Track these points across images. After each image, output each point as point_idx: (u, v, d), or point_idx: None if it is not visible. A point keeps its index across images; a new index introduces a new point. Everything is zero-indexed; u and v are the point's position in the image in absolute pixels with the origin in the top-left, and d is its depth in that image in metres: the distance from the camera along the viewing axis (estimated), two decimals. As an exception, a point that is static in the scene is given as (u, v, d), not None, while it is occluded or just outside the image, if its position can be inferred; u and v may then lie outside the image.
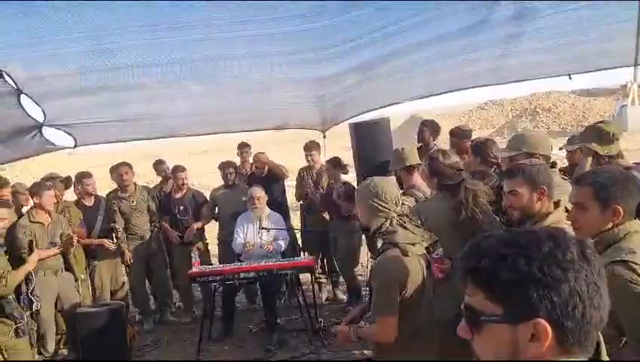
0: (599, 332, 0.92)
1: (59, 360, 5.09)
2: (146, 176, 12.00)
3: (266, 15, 3.97)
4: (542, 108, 33.93)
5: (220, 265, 5.66)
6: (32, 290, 4.12)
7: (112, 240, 5.81)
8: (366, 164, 4.63)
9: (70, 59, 4.29)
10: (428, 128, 5.28)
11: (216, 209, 6.44)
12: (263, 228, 5.46)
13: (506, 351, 0.90)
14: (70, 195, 6.22)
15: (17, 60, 4.16)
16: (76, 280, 5.22)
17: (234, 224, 5.78)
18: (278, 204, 6.17)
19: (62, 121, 5.72)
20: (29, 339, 4.08)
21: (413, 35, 4.64)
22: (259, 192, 5.63)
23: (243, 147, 6.88)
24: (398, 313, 2.32)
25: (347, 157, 5.83)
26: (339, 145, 6.29)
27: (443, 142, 5.51)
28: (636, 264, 1.78)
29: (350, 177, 5.91)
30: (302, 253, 5.94)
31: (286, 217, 6.26)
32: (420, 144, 4.86)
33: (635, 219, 1.93)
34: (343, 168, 5.92)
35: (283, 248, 5.63)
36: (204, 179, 7.21)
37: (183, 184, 6.23)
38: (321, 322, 5.26)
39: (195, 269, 5.27)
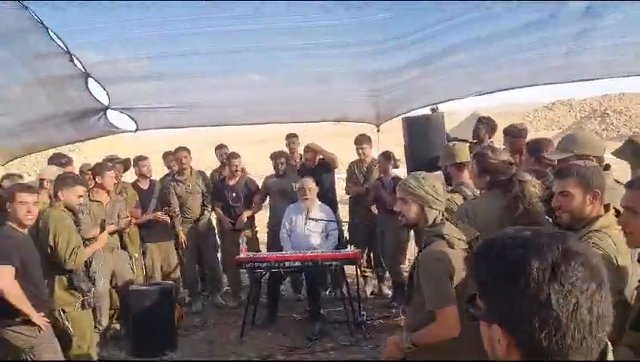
0: (606, 339, 0.86)
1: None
2: (205, 163, 12.35)
3: (323, 7, 3.98)
4: (613, 110, 32.24)
5: (267, 253, 5.75)
6: (90, 266, 4.30)
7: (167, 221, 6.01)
8: (417, 159, 4.55)
9: (136, 46, 4.46)
10: (484, 125, 5.13)
11: (267, 197, 6.53)
12: (310, 218, 5.48)
13: (489, 348, 0.89)
14: (130, 177, 6.48)
15: (86, 45, 4.36)
16: (130, 258, 5.44)
17: (283, 213, 5.85)
18: (327, 196, 6.19)
19: (125, 104, 5.96)
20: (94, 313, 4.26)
21: (475, 30, 4.51)
22: (310, 183, 5.66)
23: (291, 137, 6.91)
24: None
25: (400, 153, 5.76)
26: (393, 139, 6.23)
27: (499, 140, 5.34)
28: None
29: (400, 172, 5.84)
30: (348, 246, 5.93)
31: (334, 209, 6.29)
32: (475, 141, 4.73)
33: None
34: (395, 162, 5.86)
35: (334, 243, 5.64)
36: (260, 168, 7.31)
37: (236, 171, 6.34)
38: (363, 315, 5.24)
39: (242, 255, 5.39)
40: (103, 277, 4.97)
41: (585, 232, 2.15)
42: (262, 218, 6.93)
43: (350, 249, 5.53)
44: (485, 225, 2.70)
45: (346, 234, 6.13)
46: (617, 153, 3.26)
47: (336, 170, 6.64)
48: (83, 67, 4.65)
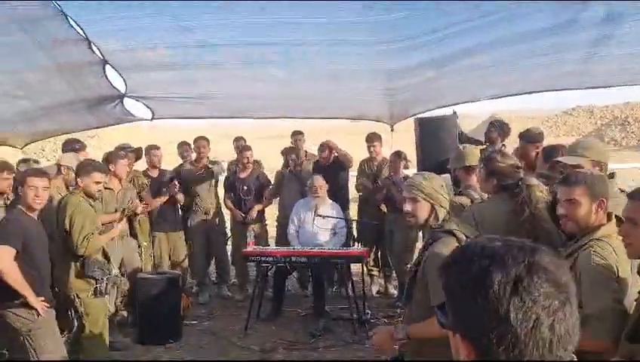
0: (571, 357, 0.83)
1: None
2: (220, 154, 12.42)
3: (343, 3, 3.97)
4: (634, 118, 31.70)
5: (274, 247, 5.78)
6: (106, 254, 4.33)
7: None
8: (427, 160, 4.54)
9: (155, 35, 4.47)
10: (496, 129, 5.09)
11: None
12: (318, 215, 5.50)
13: (455, 356, 0.88)
14: (141, 166, 6.55)
15: (104, 32, 4.40)
16: (139, 246, 5.51)
17: (292, 208, 5.88)
18: (340, 194, 6.19)
19: (142, 93, 6.01)
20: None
21: (493, 32, 4.46)
22: (320, 181, 5.67)
23: (296, 135, 6.89)
24: None
25: (413, 153, 5.74)
26: (407, 139, 6.22)
27: (513, 143, 5.29)
28: None
29: (410, 172, 5.81)
30: (356, 244, 5.94)
31: (345, 207, 6.29)
32: (487, 144, 4.70)
33: None
34: (405, 162, 5.84)
35: (342, 241, 5.65)
36: (272, 163, 7.35)
37: (247, 163, 6.37)
38: (368, 314, 5.25)
39: (249, 249, 5.43)
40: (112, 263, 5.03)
41: (586, 241, 2.13)
42: (272, 212, 6.97)
43: (357, 247, 5.53)
44: (492, 229, 2.69)
45: (355, 232, 6.14)
46: None
47: (349, 168, 6.64)
48: (101, 54, 4.69)
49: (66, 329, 4.04)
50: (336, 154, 6.44)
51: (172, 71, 5.35)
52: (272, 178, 6.71)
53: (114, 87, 5.58)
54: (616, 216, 2.17)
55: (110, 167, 5.30)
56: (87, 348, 4.01)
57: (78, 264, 3.95)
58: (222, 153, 10.61)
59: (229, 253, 6.69)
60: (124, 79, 5.47)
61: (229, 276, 6.70)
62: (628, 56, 4.72)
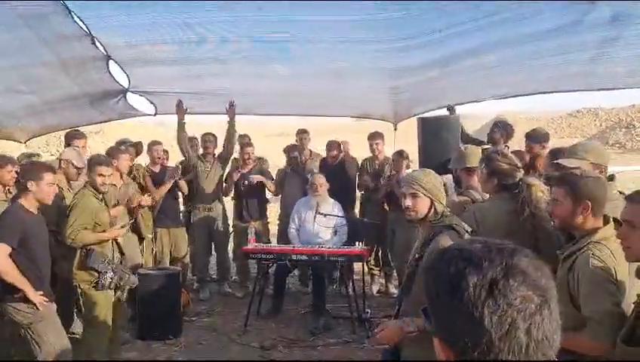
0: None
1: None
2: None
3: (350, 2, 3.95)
4: (639, 121, 31.59)
5: (275, 245, 5.78)
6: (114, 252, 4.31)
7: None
8: (429, 159, 4.51)
9: (158, 31, 4.47)
10: (499, 129, 5.07)
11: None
12: (319, 213, 5.49)
13: (437, 360, 0.87)
14: (142, 161, 6.55)
15: (107, 28, 4.41)
16: (142, 240, 5.51)
17: (294, 206, 5.88)
18: (346, 193, 6.20)
19: (145, 88, 6.03)
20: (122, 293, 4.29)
21: (496, 33, 4.44)
22: (321, 179, 5.66)
23: (302, 133, 6.87)
24: None
25: (415, 152, 5.73)
26: (409, 139, 6.20)
27: (516, 145, 5.28)
28: None
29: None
30: (357, 243, 5.93)
31: (351, 207, 6.29)
32: (490, 144, 4.69)
33: None
34: (407, 161, 5.83)
35: (343, 239, 5.64)
36: (275, 161, 7.34)
37: (248, 158, 6.38)
38: (367, 313, 5.24)
39: (250, 246, 5.43)
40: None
41: (584, 243, 2.13)
42: (274, 209, 6.97)
43: (358, 245, 5.52)
44: (492, 229, 2.70)
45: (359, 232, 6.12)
46: None
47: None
48: (104, 49, 4.70)
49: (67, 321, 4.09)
50: (342, 154, 6.44)
51: (175, 66, 5.35)
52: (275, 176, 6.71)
53: (117, 83, 5.60)
54: (614, 218, 2.16)
55: (113, 162, 5.30)
56: (86, 340, 4.02)
57: (82, 255, 3.97)
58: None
59: (230, 250, 6.70)
60: (127, 74, 5.49)
61: (229, 273, 6.71)
62: (634, 57, 4.70)
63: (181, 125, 6.15)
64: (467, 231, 2.48)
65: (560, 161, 2.91)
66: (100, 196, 4.13)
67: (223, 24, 4.38)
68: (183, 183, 6.12)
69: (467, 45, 4.62)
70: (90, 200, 4.02)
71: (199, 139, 6.63)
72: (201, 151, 6.50)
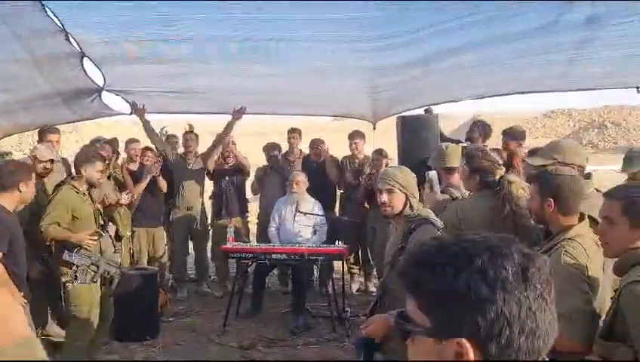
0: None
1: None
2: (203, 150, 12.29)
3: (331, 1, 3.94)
4: (612, 121, 32.37)
5: (254, 244, 5.75)
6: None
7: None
8: (409, 158, 4.54)
9: (134, 27, 4.39)
10: (478, 129, 5.15)
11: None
12: (300, 211, 5.47)
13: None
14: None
15: (82, 23, 4.31)
16: (120, 238, 5.43)
17: (274, 204, 5.85)
18: (328, 192, 6.17)
19: (121, 87, 5.92)
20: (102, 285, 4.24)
21: (479, 32, 4.47)
22: (300, 177, 5.65)
23: (293, 132, 6.86)
24: None
25: (393, 151, 5.76)
26: (387, 138, 6.24)
27: (494, 144, 5.35)
28: None
29: (392, 170, 5.81)
30: (337, 241, 5.93)
31: (332, 206, 6.30)
32: (468, 143, 4.74)
33: None
34: (387, 159, 5.86)
35: (323, 238, 5.63)
36: (254, 160, 7.29)
37: (228, 156, 6.32)
38: (347, 311, 5.25)
39: (229, 245, 5.39)
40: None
41: (558, 240, 2.16)
42: (254, 207, 6.93)
43: (338, 244, 5.52)
44: (474, 226, 2.73)
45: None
46: None
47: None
48: (79, 46, 4.60)
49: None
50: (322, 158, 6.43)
51: (152, 65, 5.25)
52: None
53: (92, 81, 5.48)
54: (590, 216, 2.20)
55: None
56: (68, 334, 4.05)
57: (59, 248, 3.99)
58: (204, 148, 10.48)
59: (208, 249, 6.64)
60: (102, 72, 5.37)
61: (207, 272, 6.64)
62: (611, 59, 4.79)
63: (146, 126, 6.11)
64: (439, 228, 2.58)
65: (526, 158, 2.98)
66: (83, 190, 4.11)
67: (202, 22, 4.33)
68: (162, 180, 6.03)
69: (447, 45, 4.64)
70: (69, 194, 4.00)
71: (180, 138, 6.55)
72: (182, 149, 6.42)
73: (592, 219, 2.18)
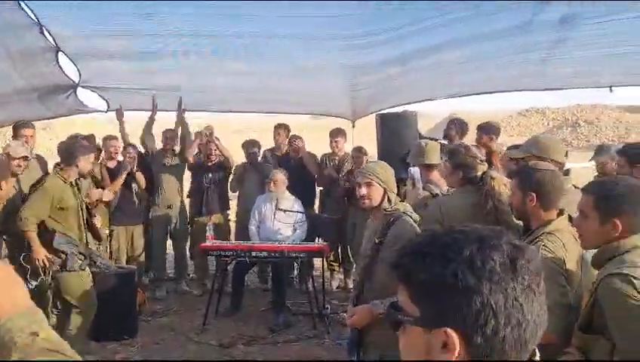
0: (535, 348, 0.84)
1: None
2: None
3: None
4: (584, 120, 33.06)
5: (234, 242, 5.72)
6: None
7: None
8: (388, 155, 4.56)
9: (111, 22, 4.32)
10: (455, 126, 5.23)
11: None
12: (279, 209, 5.46)
13: (421, 356, 0.83)
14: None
15: (57, 17, 4.22)
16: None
17: (253, 202, 5.83)
18: (308, 189, 6.17)
19: (97, 83, 5.82)
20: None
21: (454, 33, 4.52)
22: (278, 175, 5.62)
23: (278, 128, 6.77)
24: None
25: (372, 150, 5.78)
26: (366, 136, 6.26)
27: (471, 141, 5.42)
28: (635, 278, 1.71)
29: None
30: (317, 239, 5.94)
31: (311, 203, 6.29)
32: (446, 141, 4.80)
33: None
34: (367, 157, 5.89)
35: (303, 236, 5.62)
36: (237, 157, 7.22)
37: (210, 154, 6.28)
38: (327, 308, 5.26)
39: (208, 243, 5.35)
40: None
41: (537, 234, 2.21)
42: (233, 205, 6.88)
43: (318, 242, 5.53)
44: (457, 222, 2.74)
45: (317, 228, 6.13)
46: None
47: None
48: (54, 40, 4.51)
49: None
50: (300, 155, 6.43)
51: (129, 61, 5.19)
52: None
53: (67, 77, 5.38)
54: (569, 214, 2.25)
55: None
56: (73, 321, 4.11)
57: (48, 235, 4.02)
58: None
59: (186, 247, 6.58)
60: (77, 68, 5.28)
61: (187, 271, 6.59)
62: (581, 59, 4.89)
63: (122, 127, 6.16)
64: (417, 221, 2.69)
65: (508, 152, 3.02)
66: (70, 181, 4.13)
67: (179, 17, 4.28)
68: (140, 176, 5.94)
69: (426, 44, 4.69)
70: (56, 183, 4.03)
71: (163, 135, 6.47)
72: (160, 146, 6.36)
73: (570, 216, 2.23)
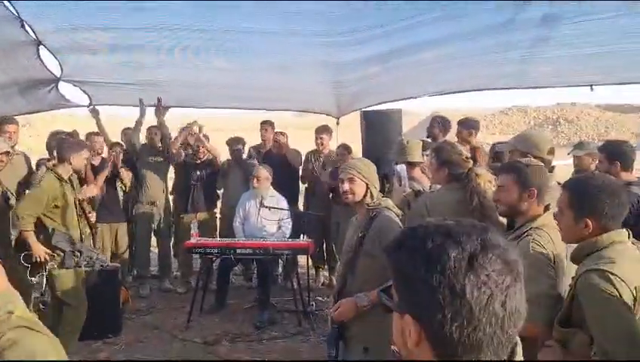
0: (515, 347, 0.85)
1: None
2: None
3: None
4: (565, 118, 33.56)
5: (218, 239, 5.69)
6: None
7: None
8: (373, 153, 4.58)
9: (93, 15, 4.27)
10: (438, 124, 5.27)
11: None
12: (264, 206, 5.45)
13: (400, 339, 0.87)
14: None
15: (38, 10, 4.16)
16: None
17: (237, 199, 5.81)
18: (291, 186, 6.16)
19: (78, 77, 5.74)
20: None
21: (438, 30, 4.55)
22: (262, 172, 5.61)
23: (264, 124, 6.77)
24: None
25: (356, 148, 5.80)
26: (350, 134, 6.28)
27: (452, 139, 5.47)
28: (612, 274, 1.75)
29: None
30: (302, 236, 5.95)
31: (295, 200, 6.28)
32: (429, 139, 4.84)
33: (623, 229, 1.90)
34: (352, 154, 5.90)
35: (287, 234, 5.63)
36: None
37: (198, 151, 6.25)
38: (312, 305, 5.28)
39: (192, 240, 5.32)
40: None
41: (525, 229, 2.24)
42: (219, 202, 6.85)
43: (302, 239, 5.53)
44: (440, 217, 2.77)
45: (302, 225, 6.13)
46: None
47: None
48: (34, 34, 4.44)
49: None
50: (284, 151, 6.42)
51: (112, 55, 5.13)
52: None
53: (48, 71, 5.30)
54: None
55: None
56: (65, 319, 4.10)
57: (48, 232, 4.03)
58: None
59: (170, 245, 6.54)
60: (59, 62, 5.21)
61: (171, 269, 6.55)
62: (560, 57, 4.95)
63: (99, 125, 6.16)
64: (397, 215, 2.77)
65: (496, 147, 3.05)
66: (65, 178, 4.14)
67: (163, 12, 4.24)
68: (124, 172, 5.88)
69: (409, 41, 4.70)
70: (53, 183, 4.03)
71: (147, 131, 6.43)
72: (144, 142, 6.31)
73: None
